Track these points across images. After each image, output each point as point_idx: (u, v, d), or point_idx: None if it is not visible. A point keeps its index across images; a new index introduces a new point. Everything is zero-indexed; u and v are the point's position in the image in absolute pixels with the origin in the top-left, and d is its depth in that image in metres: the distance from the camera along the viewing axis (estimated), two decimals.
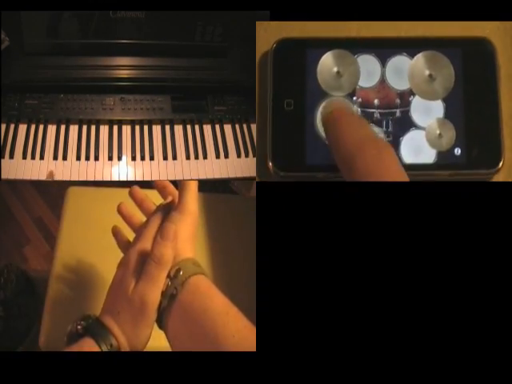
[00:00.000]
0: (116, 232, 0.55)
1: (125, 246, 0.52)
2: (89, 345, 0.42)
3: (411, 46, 0.47)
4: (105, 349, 0.42)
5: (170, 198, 0.51)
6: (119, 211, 0.55)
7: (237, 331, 0.41)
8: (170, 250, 0.44)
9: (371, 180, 0.37)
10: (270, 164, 0.46)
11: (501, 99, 0.46)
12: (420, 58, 0.47)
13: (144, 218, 0.52)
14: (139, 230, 0.50)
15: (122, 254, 0.50)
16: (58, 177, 0.72)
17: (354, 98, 0.47)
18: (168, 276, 0.44)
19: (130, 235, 0.53)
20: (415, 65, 0.47)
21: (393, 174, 0.38)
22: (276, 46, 0.48)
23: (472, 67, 0.46)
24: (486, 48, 0.47)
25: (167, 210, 0.50)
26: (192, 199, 0.49)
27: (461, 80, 0.46)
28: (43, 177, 0.72)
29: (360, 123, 0.42)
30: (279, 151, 0.46)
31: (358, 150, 0.38)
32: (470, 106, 0.46)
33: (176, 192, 0.52)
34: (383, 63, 0.47)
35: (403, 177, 0.38)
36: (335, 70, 0.47)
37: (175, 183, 0.54)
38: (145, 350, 0.45)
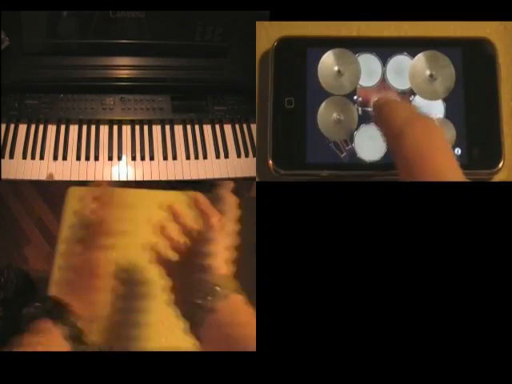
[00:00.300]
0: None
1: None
2: (47, 326, 0.43)
3: (412, 46, 0.47)
4: (65, 328, 0.43)
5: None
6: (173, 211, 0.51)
7: None
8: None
9: (419, 153, 0.37)
10: (271, 162, 0.46)
11: (501, 99, 0.46)
12: (421, 57, 0.47)
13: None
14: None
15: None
16: (57, 177, 0.72)
17: (355, 97, 0.47)
18: (204, 288, 0.44)
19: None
20: (416, 64, 0.47)
21: (439, 149, 0.38)
22: (277, 44, 0.48)
23: (473, 67, 0.46)
24: (487, 48, 0.47)
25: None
26: (232, 215, 0.49)
27: (461, 80, 0.46)
28: (43, 177, 0.72)
29: (409, 104, 0.45)
30: (279, 149, 0.46)
31: (407, 125, 0.39)
32: (471, 106, 0.46)
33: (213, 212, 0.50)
34: (384, 63, 0.47)
35: (448, 153, 0.39)
36: (336, 68, 0.47)
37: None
38: (145, 351, 0.45)
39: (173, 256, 0.48)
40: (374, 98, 0.47)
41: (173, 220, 0.49)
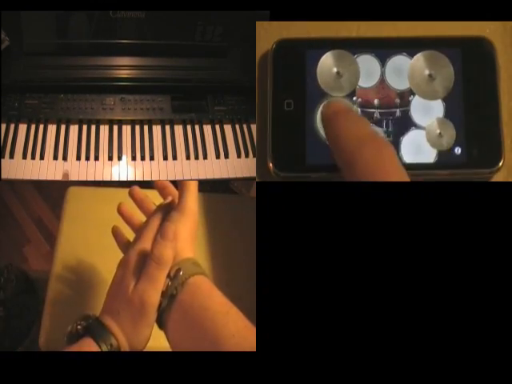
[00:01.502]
0: (116, 232, 0.55)
1: (125, 246, 0.52)
2: (89, 345, 0.42)
3: (411, 46, 0.47)
4: (105, 349, 0.42)
5: (169, 198, 0.51)
6: (119, 211, 0.55)
7: (237, 331, 0.41)
8: (169, 250, 0.44)
9: (371, 179, 0.36)
10: (270, 164, 0.46)
11: (501, 98, 0.46)
12: (420, 57, 0.47)
13: (144, 219, 0.52)
14: (139, 230, 0.50)
15: (122, 254, 0.50)
16: (57, 177, 0.72)
17: (354, 98, 0.47)
18: (168, 276, 0.44)
19: (130, 235, 0.53)
20: (415, 64, 0.47)
21: (393, 173, 0.37)
22: (276, 46, 0.48)
23: (472, 67, 0.46)
24: (486, 48, 0.47)
25: (167, 210, 0.50)
26: (192, 199, 0.49)
27: (460, 79, 0.46)
28: (43, 177, 0.72)
29: (360, 122, 0.41)
30: (279, 152, 0.46)
31: (357, 149, 0.37)
32: (470, 106, 0.46)
33: (176, 192, 0.52)
34: (383, 63, 0.47)
35: (403, 176, 0.38)
36: (335, 70, 0.47)
37: (175, 183, 0.54)
38: (145, 350, 0.45)
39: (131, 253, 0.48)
40: (322, 105, 0.46)
41: (121, 218, 0.55)
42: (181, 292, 0.43)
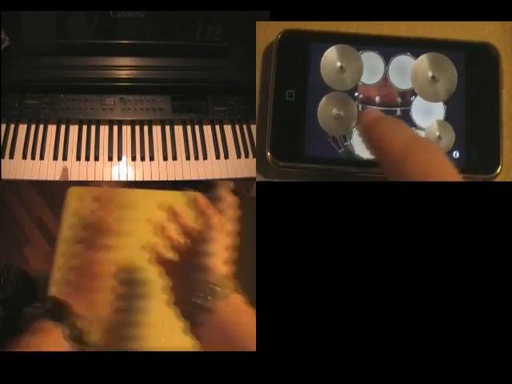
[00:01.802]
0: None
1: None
2: (48, 328, 0.43)
3: (416, 47, 0.47)
4: (66, 329, 0.43)
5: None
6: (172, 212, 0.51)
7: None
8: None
9: (423, 179, 0.36)
10: (269, 154, 0.46)
11: (502, 104, 0.46)
12: (424, 58, 0.47)
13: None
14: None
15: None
16: (57, 177, 0.72)
17: (356, 94, 0.47)
18: (203, 288, 0.44)
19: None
20: (418, 65, 0.47)
21: (446, 173, 0.37)
22: (281, 36, 0.48)
23: (475, 71, 0.46)
24: (490, 53, 0.47)
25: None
26: (230, 215, 0.49)
27: (463, 83, 0.46)
28: (43, 177, 0.72)
29: (401, 126, 0.40)
30: (278, 141, 0.46)
31: (407, 152, 0.37)
32: (471, 110, 0.46)
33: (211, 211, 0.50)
34: (387, 61, 0.47)
35: (456, 176, 0.37)
36: (338, 64, 0.47)
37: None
38: (145, 351, 0.45)
39: (172, 256, 0.48)
40: (360, 118, 0.44)
41: (172, 220, 0.49)
42: (219, 308, 0.43)
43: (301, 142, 0.46)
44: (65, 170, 0.71)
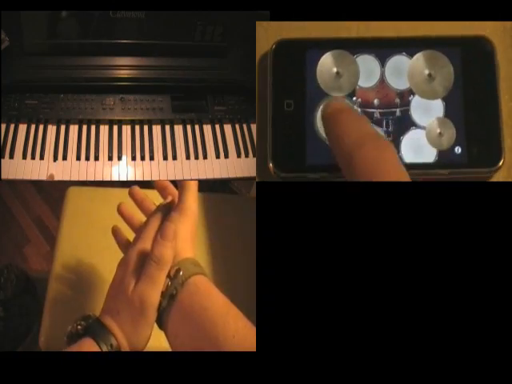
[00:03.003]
0: (116, 232, 0.55)
1: (125, 245, 0.52)
2: (89, 345, 0.42)
3: (410, 46, 0.47)
4: (105, 349, 0.42)
5: (169, 198, 0.51)
6: (119, 211, 0.55)
7: (236, 331, 0.41)
8: (169, 250, 0.44)
9: (370, 179, 0.36)
10: (271, 165, 0.46)
11: (500, 98, 0.46)
12: (419, 57, 0.47)
13: (144, 218, 0.52)
14: (139, 229, 0.50)
15: (121, 254, 0.50)
16: (57, 177, 0.72)
17: (354, 98, 0.47)
18: (168, 276, 0.44)
19: (130, 235, 0.53)
20: (414, 64, 0.47)
21: (393, 173, 0.37)
22: (275, 46, 0.48)
23: (471, 66, 0.46)
24: (485, 47, 0.47)
25: (167, 210, 0.50)
26: (192, 199, 0.49)
27: (460, 79, 0.46)
28: (43, 177, 0.72)
29: (360, 121, 0.40)
30: (279, 152, 0.46)
31: (357, 148, 0.37)
32: (470, 105, 0.46)
33: (176, 192, 0.52)
34: (383, 63, 0.47)
35: (403, 175, 0.37)
36: (335, 70, 0.47)
37: (175, 183, 0.54)
38: (145, 350, 0.45)
39: (131, 253, 0.47)
40: (323, 104, 0.45)
41: (122, 218, 0.55)
42: (180, 292, 0.43)
43: (301, 151, 0.46)
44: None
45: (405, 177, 0.37)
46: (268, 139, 0.46)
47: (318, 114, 0.47)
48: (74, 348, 0.43)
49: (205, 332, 0.41)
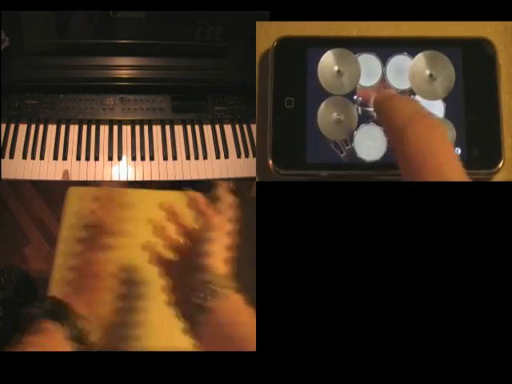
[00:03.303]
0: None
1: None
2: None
3: (412, 46, 0.47)
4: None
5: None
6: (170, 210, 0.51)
7: None
8: None
9: (420, 156, 0.37)
10: (270, 162, 0.46)
11: (501, 99, 0.46)
12: (420, 57, 0.47)
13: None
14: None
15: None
16: (57, 177, 0.72)
17: (355, 97, 0.47)
18: (202, 288, 0.44)
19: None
20: (416, 64, 0.47)
21: (442, 149, 0.37)
22: (277, 44, 0.48)
23: (472, 67, 0.46)
24: (487, 48, 0.47)
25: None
26: (226, 212, 0.49)
27: (461, 80, 0.46)
28: (43, 177, 0.72)
29: (412, 102, 0.43)
30: (279, 149, 0.46)
31: (410, 123, 0.38)
32: (471, 106, 0.46)
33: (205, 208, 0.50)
34: (384, 62, 0.47)
35: (452, 155, 0.38)
36: (336, 68, 0.47)
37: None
38: (144, 351, 0.45)
39: (172, 256, 0.48)
40: (374, 95, 0.46)
41: (172, 220, 0.49)
42: (215, 304, 0.43)
43: (302, 149, 0.46)
44: (65, 173, 0.71)
45: (453, 155, 0.38)
46: (268, 136, 0.46)
47: (319, 112, 0.46)
48: (36, 336, 0.42)
49: (232, 345, 0.41)
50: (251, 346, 0.40)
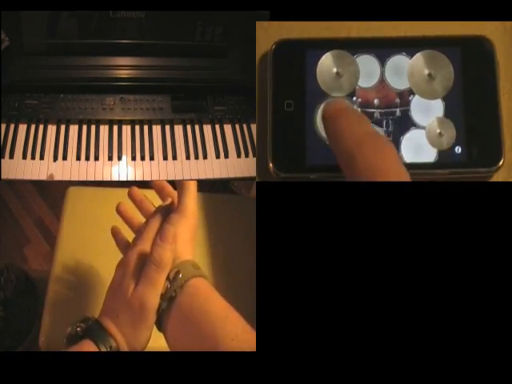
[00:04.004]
0: (115, 232, 0.54)
1: (124, 246, 0.52)
2: (88, 347, 0.42)
3: (410, 46, 0.47)
4: (104, 351, 0.42)
5: (169, 200, 0.51)
6: (118, 211, 0.55)
7: (236, 334, 0.41)
8: (169, 253, 0.44)
9: (371, 178, 0.36)
10: (271, 165, 0.46)
11: (500, 97, 0.46)
12: (419, 57, 0.47)
13: (143, 219, 0.52)
14: (139, 230, 0.50)
15: (121, 255, 0.50)
16: (57, 177, 0.72)
17: (354, 98, 0.47)
18: (167, 278, 0.44)
19: (129, 235, 0.53)
20: (414, 64, 0.47)
21: (393, 172, 0.37)
22: (275, 47, 0.48)
23: (471, 66, 0.46)
24: (485, 46, 0.47)
25: (167, 212, 0.49)
26: (191, 200, 0.49)
27: (460, 79, 0.46)
28: (43, 177, 0.72)
29: (360, 120, 0.40)
30: (279, 152, 0.46)
31: (357, 147, 0.37)
32: (470, 105, 0.46)
33: (175, 193, 0.51)
34: (382, 63, 0.47)
35: (404, 175, 0.37)
36: (335, 70, 0.47)
37: (173, 183, 0.54)
38: (145, 350, 0.45)
39: (131, 254, 0.47)
40: (323, 104, 0.45)
41: (121, 218, 0.54)
42: (180, 294, 0.43)
43: (302, 151, 0.46)
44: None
45: (405, 176, 0.37)
46: (268, 139, 0.46)
47: (318, 115, 0.46)
48: (74, 350, 0.42)
49: (204, 335, 0.41)
50: (220, 334, 0.40)
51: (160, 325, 0.44)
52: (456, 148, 0.45)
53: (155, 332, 0.45)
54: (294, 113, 0.47)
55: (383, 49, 0.47)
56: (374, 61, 0.47)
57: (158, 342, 0.45)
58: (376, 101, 0.47)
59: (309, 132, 0.46)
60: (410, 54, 0.47)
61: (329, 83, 0.47)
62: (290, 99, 0.47)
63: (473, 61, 0.46)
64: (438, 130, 0.46)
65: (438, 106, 0.46)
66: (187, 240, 0.48)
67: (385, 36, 0.48)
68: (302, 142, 0.46)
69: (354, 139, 0.38)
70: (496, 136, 0.45)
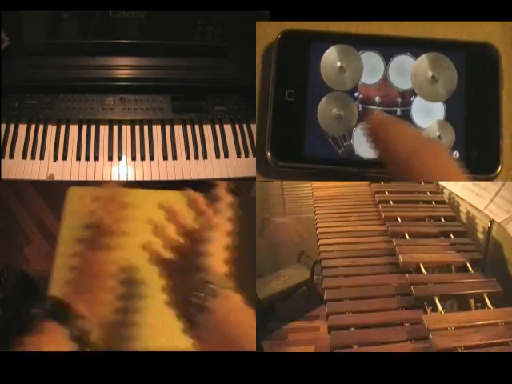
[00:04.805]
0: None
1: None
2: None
3: (416, 47, 0.47)
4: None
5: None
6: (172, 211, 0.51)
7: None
8: None
9: (430, 178, 0.37)
10: (269, 154, 0.46)
11: (502, 105, 0.46)
12: (424, 58, 0.47)
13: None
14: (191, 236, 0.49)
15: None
16: (57, 177, 0.72)
17: (356, 94, 0.47)
18: (202, 288, 0.44)
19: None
20: (418, 65, 0.47)
21: (451, 173, 0.38)
22: (281, 36, 0.47)
23: (475, 71, 0.46)
24: (490, 53, 0.46)
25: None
26: (225, 212, 0.49)
27: (463, 83, 0.46)
28: (43, 177, 0.72)
29: (407, 127, 0.42)
30: (278, 141, 0.46)
31: (414, 152, 0.38)
32: (471, 110, 0.46)
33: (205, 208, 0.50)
34: (387, 61, 0.47)
35: (460, 175, 0.39)
36: (338, 64, 0.47)
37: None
38: (144, 351, 0.45)
39: (172, 256, 0.48)
40: (369, 118, 0.45)
41: (172, 220, 0.49)
42: (213, 303, 0.43)
43: (301, 142, 0.46)
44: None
45: (460, 174, 0.39)
46: (267, 128, 0.46)
47: (320, 106, 0.46)
48: (37, 336, 0.42)
49: (232, 345, 0.41)
50: (250, 345, 0.40)
51: (194, 331, 0.44)
52: (454, 152, 0.45)
53: (155, 332, 0.45)
54: (294, 103, 0.47)
55: (388, 47, 0.47)
56: (378, 58, 0.47)
57: (157, 342, 0.45)
58: (377, 98, 0.47)
59: (309, 123, 0.46)
60: (415, 55, 0.47)
61: (332, 76, 0.47)
62: (291, 89, 0.47)
63: (477, 67, 0.46)
64: (438, 133, 0.46)
65: (439, 109, 0.46)
66: (220, 252, 0.47)
67: (391, 34, 0.48)
68: (301, 133, 0.46)
69: (407, 146, 0.39)
70: (495, 143, 0.45)
